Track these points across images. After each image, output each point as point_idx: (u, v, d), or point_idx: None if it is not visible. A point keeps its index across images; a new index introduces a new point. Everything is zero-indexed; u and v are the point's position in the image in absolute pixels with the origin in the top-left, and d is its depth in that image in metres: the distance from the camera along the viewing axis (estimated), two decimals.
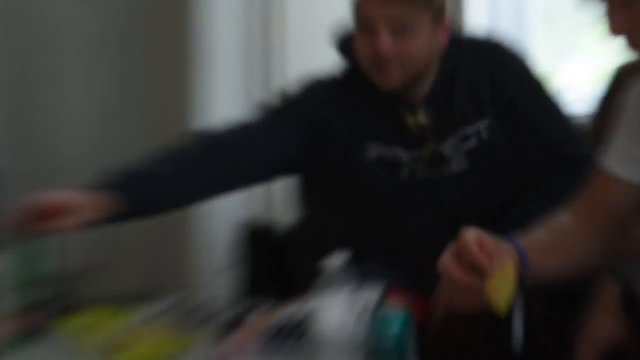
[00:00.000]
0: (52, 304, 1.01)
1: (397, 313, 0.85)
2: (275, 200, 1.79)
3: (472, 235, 0.72)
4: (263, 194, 1.81)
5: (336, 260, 0.90)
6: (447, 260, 0.73)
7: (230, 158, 1.14)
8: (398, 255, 1.20)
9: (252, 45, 1.86)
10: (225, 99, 1.83)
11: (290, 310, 0.94)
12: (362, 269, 0.96)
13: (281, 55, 1.85)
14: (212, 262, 1.82)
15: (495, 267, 0.71)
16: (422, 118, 1.16)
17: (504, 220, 1.09)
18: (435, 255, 0.74)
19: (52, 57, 2.04)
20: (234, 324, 0.96)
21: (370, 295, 0.92)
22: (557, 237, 0.87)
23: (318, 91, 1.22)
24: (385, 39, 1.07)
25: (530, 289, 0.77)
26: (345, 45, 1.19)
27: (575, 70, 1.92)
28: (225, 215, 1.77)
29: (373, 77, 1.13)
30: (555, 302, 0.98)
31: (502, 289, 0.72)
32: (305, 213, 1.33)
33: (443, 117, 1.17)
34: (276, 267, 1.39)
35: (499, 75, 1.18)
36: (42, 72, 2.04)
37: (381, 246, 1.23)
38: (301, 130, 1.17)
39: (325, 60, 1.28)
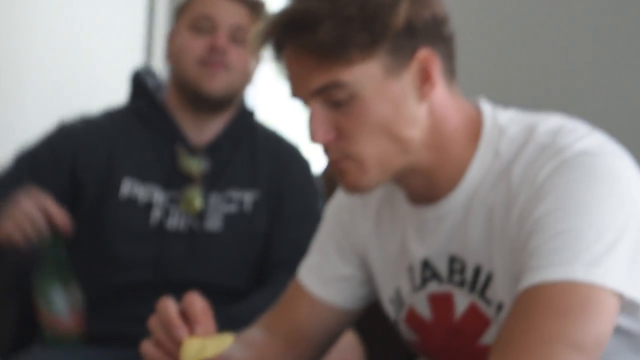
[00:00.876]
0: None
1: None
2: None
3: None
4: None
5: None
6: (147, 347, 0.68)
7: None
8: (134, 295, 1.14)
9: None
10: None
11: None
12: None
13: None
14: None
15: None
16: (196, 164, 1.17)
17: (231, 308, 1.08)
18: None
19: None
20: None
21: None
22: (254, 353, 0.81)
23: (97, 127, 1.21)
24: (224, 37, 1.15)
25: None
26: (138, 80, 1.22)
27: None
28: None
29: (197, 81, 1.14)
30: None
31: None
32: None
33: (216, 171, 1.19)
34: None
35: (282, 163, 1.23)
36: None
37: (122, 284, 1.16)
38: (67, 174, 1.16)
39: None
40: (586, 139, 0.66)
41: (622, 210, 0.61)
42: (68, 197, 1.13)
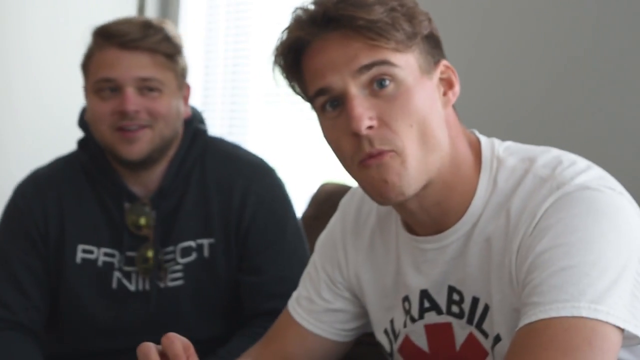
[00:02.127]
0: None
1: None
2: None
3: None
4: None
5: None
6: None
7: None
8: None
9: None
10: None
11: None
12: None
13: None
14: None
15: None
16: (143, 218, 1.12)
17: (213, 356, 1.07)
18: None
19: None
20: None
21: None
22: None
23: (40, 193, 1.17)
24: (131, 95, 1.05)
25: None
26: (85, 125, 1.16)
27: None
28: None
29: (114, 147, 1.09)
30: None
31: None
32: None
33: (166, 222, 1.14)
34: None
35: (241, 199, 1.14)
36: None
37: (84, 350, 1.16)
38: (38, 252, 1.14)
39: None
40: (586, 173, 0.67)
41: (624, 246, 0.62)
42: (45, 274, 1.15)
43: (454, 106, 0.74)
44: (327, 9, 0.67)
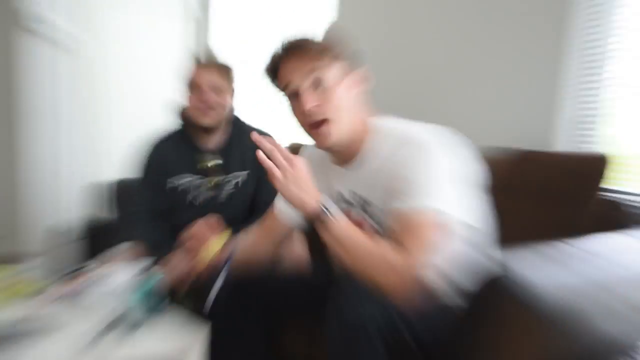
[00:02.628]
0: None
1: (157, 274, 1.53)
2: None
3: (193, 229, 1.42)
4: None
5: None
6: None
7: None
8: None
9: None
10: None
11: (97, 272, 1.62)
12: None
13: None
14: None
15: (201, 245, 1.42)
16: (212, 161, 1.95)
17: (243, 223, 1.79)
18: None
19: None
20: (68, 278, 1.65)
21: (144, 265, 1.59)
22: (255, 233, 1.54)
23: (156, 149, 2.02)
24: (205, 93, 1.86)
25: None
26: (182, 114, 1.99)
27: None
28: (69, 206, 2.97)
29: (196, 119, 1.91)
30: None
31: (204, 256, 1.39)
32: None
33: (225, 164, 1.94)
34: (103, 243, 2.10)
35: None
36: None
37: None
38: (157, 175, 1.99)
39: None
40: (420, 133, 1.30)
41: (440, 170, 1.21)
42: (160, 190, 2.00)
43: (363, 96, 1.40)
44: (288, 44, 1.33)
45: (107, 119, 3.17)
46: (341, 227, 1.18)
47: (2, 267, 1.70)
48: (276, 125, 3.01)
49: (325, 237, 1.19)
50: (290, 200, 1.22)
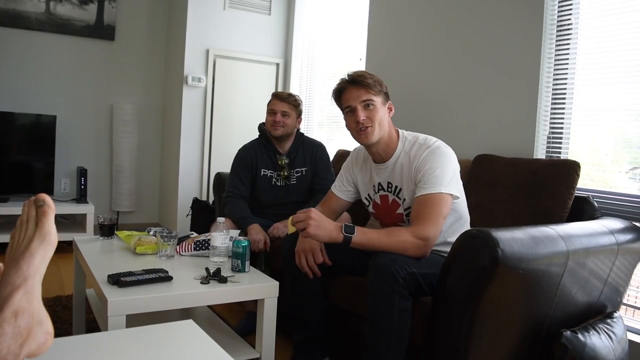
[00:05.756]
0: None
1: (244, 241, 2.03)
2: (204, 189, 4.30)
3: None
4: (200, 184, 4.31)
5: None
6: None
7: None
8: (266, 210, 2.73)
9: None
10: None
11: (203, 236, 2.22)
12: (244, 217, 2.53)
13: None
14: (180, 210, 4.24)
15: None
16: (283, 160, 2.65)
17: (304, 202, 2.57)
18: (277, 213, 2.37)
19: None
20: (183, 239, 2.23)
21: (235, 233, 2.20)
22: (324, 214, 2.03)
23: (247, 150, 2.74)
24: (279, 116, 2.64)
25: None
26: (260, 128, 2.75)
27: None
28: (187, 191, 4.30)
29: (271, 131, 2.69)
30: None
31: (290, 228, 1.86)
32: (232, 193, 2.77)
33: (292, 162, 2.64)
34: (205, 218, 2.97)
35: (314, 154, 2.73)
36: None
37: (262, 206, 2.68)
38: (248, 170, 2.69)
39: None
40: (436, 141, 1.88)
41: (451, 167, 1.81)
42: (250, 179, 2.79)
43: (392, 117, 1.96)
44: (351, 77, 1.89)
45: (215, 132, 4.54)
46: (362, 237, 1.68)
47: (133, 233, 2.32)
48: (331, 136, 4.12)
49: (356, 245, 1.69)
50: (322, 240, 1.68)
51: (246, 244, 1.99)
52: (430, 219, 1.69)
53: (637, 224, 1.93)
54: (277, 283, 1.92)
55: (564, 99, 2.38)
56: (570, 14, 2.36)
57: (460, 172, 1.87)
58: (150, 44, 4.87)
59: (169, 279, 1.81)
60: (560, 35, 2.40)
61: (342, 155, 3.11)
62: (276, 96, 2.77)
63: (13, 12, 4.24)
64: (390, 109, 1.94)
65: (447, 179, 1.75)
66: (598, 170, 2.31)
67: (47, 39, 4.42)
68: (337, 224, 1.70)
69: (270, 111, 2.73)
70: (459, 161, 1.88)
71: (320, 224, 1.66)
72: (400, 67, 3.27)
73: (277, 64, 4.72)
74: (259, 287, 1.90)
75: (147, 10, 4.84)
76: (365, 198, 2.06)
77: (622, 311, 2.01)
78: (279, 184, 2.76)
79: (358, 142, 1.93)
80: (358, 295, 1.93)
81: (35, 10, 4.31)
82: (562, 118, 2.39)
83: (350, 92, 1.87)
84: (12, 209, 3.80)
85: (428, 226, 1.67)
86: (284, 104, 2.71)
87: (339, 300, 2.05)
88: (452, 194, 1.75)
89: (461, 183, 1.87)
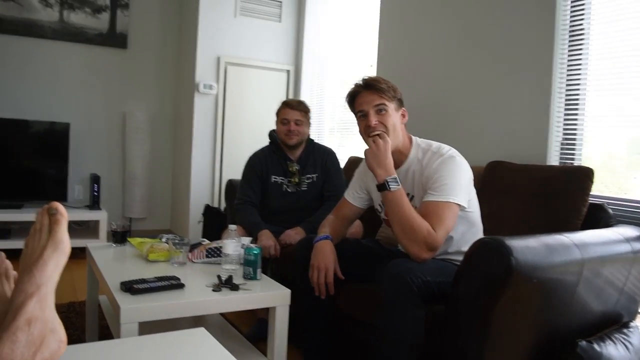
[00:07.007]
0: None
1: (255, 248, 2.03)
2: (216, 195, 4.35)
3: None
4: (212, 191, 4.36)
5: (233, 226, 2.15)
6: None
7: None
8: (277, 217, 2.70)
9: None
10: None
11: (215, 243, 2.22)
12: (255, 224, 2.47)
13: None
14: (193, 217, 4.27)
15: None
16: (294, 167, 2.66)
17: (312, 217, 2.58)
18: (288, 219, 2.31)
19: None
20: (195, 246, 2.22)
21: (247, 240, 2.19)
22: (334, 222, 2.07)
23: (258, 157, 2.75)
24: (293, 125, 2.65)
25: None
26: (271, 135, 2.75)
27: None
28: (198, 198, 4.33)
29: (284, 140, 2.70)
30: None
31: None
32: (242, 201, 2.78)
33: (302, 168, 2.65)
34: (217, 225, 2.95)
35: (325, 160, 2.74)
36: None
37: (273, 212, 2.67)
38: (259, 177, 2.69)
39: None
40: (449, 150, 1.87)
41: (463, 178, 1.80)
42: (260, 186, 2.72)
43: (405, 123, 1.96)
44: (365, 81, 1.90)
45: (226, 139, 4.59)
46: (394, 196, 1.73)
47: (146, 239, 2.33)
48: (342, 142, 4.11)
49: (384, 199, 1.77)
50: (370, 167, 1.81)
51: (258, 251, 1.99)
52: (436, 227, 1.67)
53: None
54: (289, 291, 1.92)
55: (577, 104, 2.36)
56: (582, 19, 2.34)
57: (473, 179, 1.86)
58: (162, 51, 4.92)
59: (181, 286, 1.81)
60: (572, 41, 2.38)
61: (354, 162, 3.11)
62: (287, 105, 2.78)
63: (27, 21, 4.30)
64: (403, 115, 1.94)
65: (457, 189, 1.74)
66: (612, 176, 2.28)
67: (61, 47, 4.48)
68: (391, 170, 1.78)
69: (283, 120, 2.74)
70: (471, 168, 1.87)
71: (379, 154, 1.78)
72: (411, 73, 3.27)
73: (288, 71, 4.75)
74: (271, 295, 1.89)
75: (159, 19, 4.89)
76: (379, 205, 2.05)
77: (638, 321, 1.98)
78: (289, 190, 2.77)
79: None
80: (366, 303, 1.92)
81: (49, 19, 4.38)
82: (575, 124, 2.36)
83: (363, 96, 1.89)
84: (26, 215, 3.85)
85: (433, 234, 1.66)
86: (296, 112, 2.73)
87: (345, 307, 2.04)
88: (459, 204, 1.74)
89: (474, 192, 1.86)
